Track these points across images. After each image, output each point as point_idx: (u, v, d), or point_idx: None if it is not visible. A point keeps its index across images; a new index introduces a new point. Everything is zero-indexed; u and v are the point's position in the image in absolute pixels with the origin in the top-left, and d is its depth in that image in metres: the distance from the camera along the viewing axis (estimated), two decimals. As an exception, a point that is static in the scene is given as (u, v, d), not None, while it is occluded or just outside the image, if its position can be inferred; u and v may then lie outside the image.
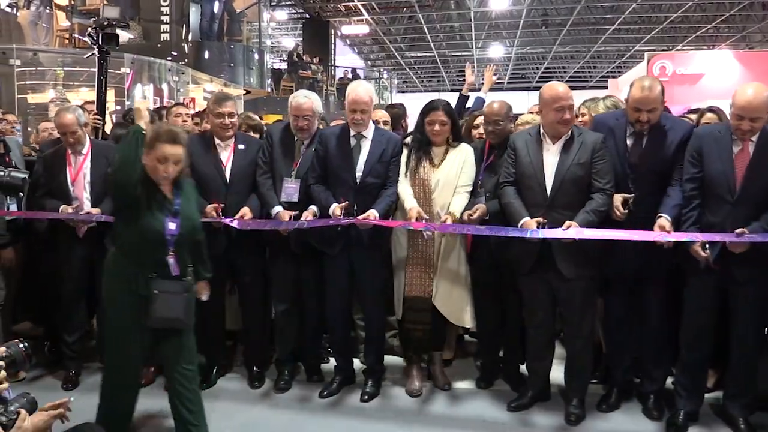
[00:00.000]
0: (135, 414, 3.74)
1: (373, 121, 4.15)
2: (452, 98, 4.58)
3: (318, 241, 3.88)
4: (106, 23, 5.21)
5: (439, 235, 3.83)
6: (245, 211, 3.88)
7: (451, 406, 3.88)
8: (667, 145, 3.45)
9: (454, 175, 3.86)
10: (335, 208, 3.73)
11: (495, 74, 5.66)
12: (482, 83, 5.67)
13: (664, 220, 3.31)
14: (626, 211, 3.40)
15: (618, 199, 3.40)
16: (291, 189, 3.93)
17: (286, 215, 3.81)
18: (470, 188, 3.88)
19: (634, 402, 3.78)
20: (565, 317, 3.64)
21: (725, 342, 3.46)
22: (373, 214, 3.68)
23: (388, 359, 4.27)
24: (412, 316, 3.91)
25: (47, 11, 12.48)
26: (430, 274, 3.85)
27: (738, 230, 3.14)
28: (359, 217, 3.68)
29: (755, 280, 3.27)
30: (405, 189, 3.86)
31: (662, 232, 3.28)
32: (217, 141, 4.03)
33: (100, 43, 5.18)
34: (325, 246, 3.89)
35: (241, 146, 4.06)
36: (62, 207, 3.99)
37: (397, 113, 4.86)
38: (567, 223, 3.36)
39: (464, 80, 5.61)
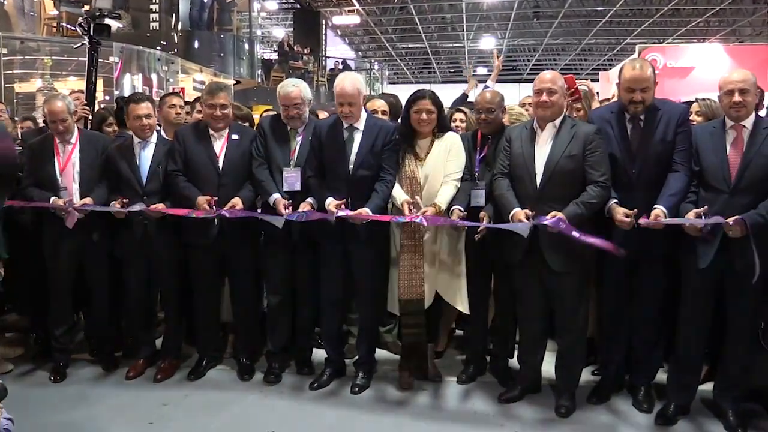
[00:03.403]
0: (119, 404, 3.74)
1: (372, 111, 4.13)
2: (443, 90, 4.56)
3: (316, 232, 3.87)
4: (97, 14, 5.16)
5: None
6: (236, 202, 3.85)
7: (441, 397, 3.87)
8: (666, 127, 3.42)
9: (441, 165, 3.83)
10: (331, 203, 3.71)
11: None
12: (473, 74, 5.63)
13: (659, 210, 3.29)
14: (630, 220, 3.31)
15: (620, 212, 3.33)
16: (292, 178, 3.90)
17: (282, 204, 3.78)
18: (459, 176, 3.83)
19: (625, 394, 3.79)
20: (556, 311, 3.63)
21: (717, 335, 3.46)
22: (365, 212, 3.66)
23: (380, 353, 4.26)
24: (405, 320, 3.90)
25: (34, -1, 12.36)
26: (420, 274, 3.81)
27: (730, 218, 3.14)
28: (351, 213, 3.66)
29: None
30: (395, 187, 3.83)
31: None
32: (210, 131, 4.00)
33: (91, 33, 5.12)
34: (322, 238, 3.87)
35: (234, 136, 4.02)
36: (53, 198, 3.94)
37: (394, 103, 4.83)
38: (552, 213, 3.34)
39: (456, 72, 5.58)
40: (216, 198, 3.84)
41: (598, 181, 3.38)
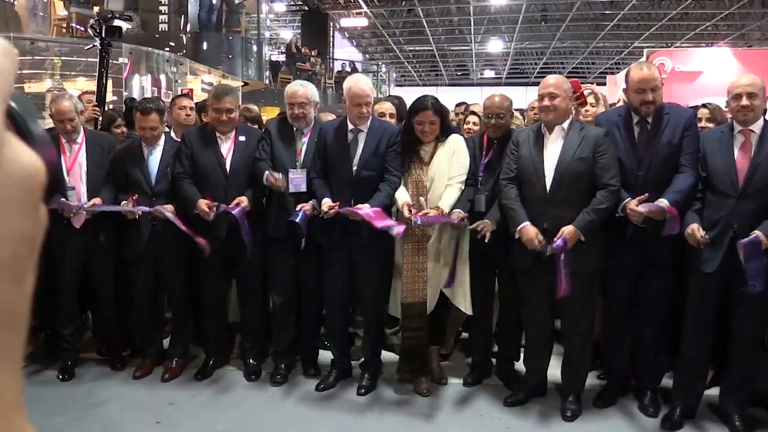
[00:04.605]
0: (126, 403, 3.76)
1: (379, 114, 4.14)
2: (450, 92, 4.58)
3: (319, 233, 3.88)
4: (109, 16, 5.19)
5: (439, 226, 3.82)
6: (242, 200, 3.86)
7: (447, 400, 3.88)
8: (673, 130, 3.43)
9: (446, 168, 3.84)
10: (325, 203, 3.71)
11: None
12: (480, 77, 5.64)
13: (662, 201, 3.28)
14: (640, 215, 3.30)
15: (633, 202, 3.32)
16: (298, 179, 3.91)
17: (272, 177, 3.78)
18: (462, 179, 3.83)
19: (631, 398, 3.79)
20: (563, 314, 3.64)
21: (722, 339, 3.46)
22: (365, 208, 3.64)
23: (385, 355, 4.27)
24: (407, 323, 3.90)
25: (44, 0, 12.43)
26: (423, 277, 3.82)
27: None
28: (348, 209, 3.65)
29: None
30: (399, 189, 3.84)
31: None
32: (217, 133, 4.02)
33: (103, 35, 5.15)
34: (326, 239, 3.89)
35: (241, 138, 4.04)
36: (62, 200, 3.93)
37: (398, 105, 4.85)
38: (563, 229, 3.32)
39: (463, 75, 5.60)
40: (216, 204, 3.84)
41: (607, 184, 3.37)
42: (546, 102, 3.46)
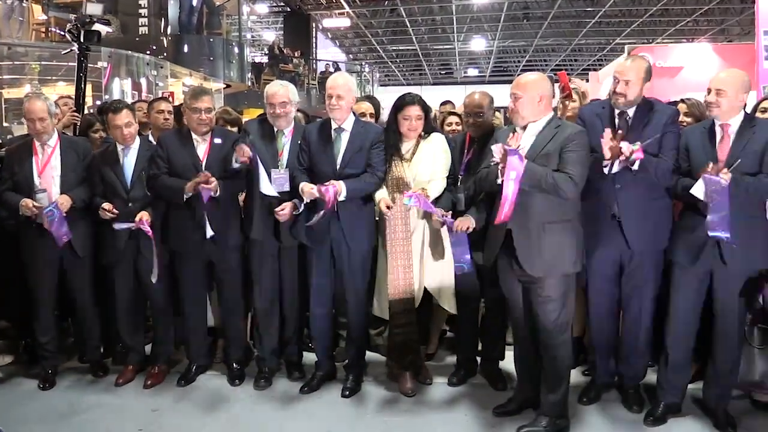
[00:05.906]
0: (108, 411, 3.72)
1: (359, 114, 4.14)
2: (434, 91, 4.57)
3: (301, 235, 3.86)
4: (87, 20, 5.12)
5: (423, 220, 3.83)
6: (212, 180, 3.77)
7: (432, 400, 3.87)
8: (654, 125, 3.43)
9: (428, 166, 3.84)
10: (304, 185, 3.70)
11: None
12: (464, 76, 5.60)
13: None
14: (615, 143, 3.25)
15: (606, 139, 3.26)
16: (281, 179, 3.88)
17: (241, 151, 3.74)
18: (445, 174, 3.85)
19: (615, 394, 3.79)
20: (537, 317, 3.45)
21: (706, 333, 3.47)
22: (341, 187, 3.63)
23: (370, 355, 4.26)
24: (396, 319, 3.88)
25: (23, 4, 12.29)
26: (410, 273, 3.82)
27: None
28: (325, 186, 3.61)
29: (743, 273, 3.29)
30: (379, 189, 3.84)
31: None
32: (194, 136, 3.99)
33: (81, 40, 5.09)
34: (308, 240, 3.87)
35: (217, 140, 4.02)
36: (24, 200, 3.87)
37: (377, 104, 4.84)
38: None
39: (447, 74, 5.58)
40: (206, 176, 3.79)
41: (567, 172, 3.21)
42: (509, 103, 3.45)
